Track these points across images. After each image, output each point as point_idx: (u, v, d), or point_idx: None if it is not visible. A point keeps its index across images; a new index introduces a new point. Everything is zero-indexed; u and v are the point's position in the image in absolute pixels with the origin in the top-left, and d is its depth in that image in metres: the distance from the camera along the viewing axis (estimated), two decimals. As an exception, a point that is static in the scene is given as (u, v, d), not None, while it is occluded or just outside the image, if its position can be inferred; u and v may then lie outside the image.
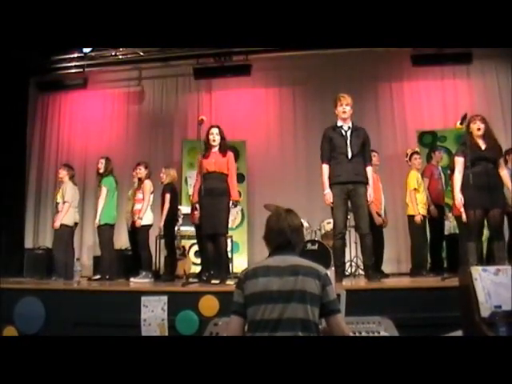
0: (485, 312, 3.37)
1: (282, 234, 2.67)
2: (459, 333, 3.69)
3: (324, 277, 2.56)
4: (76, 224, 7.68)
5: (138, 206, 7.29)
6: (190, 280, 6.21)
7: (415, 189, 6.88)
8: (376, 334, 3.18)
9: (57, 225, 7.25)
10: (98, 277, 7.24)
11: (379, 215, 7.10)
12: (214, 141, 6.00)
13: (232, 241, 7.95)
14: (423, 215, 6.88)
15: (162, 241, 7.75)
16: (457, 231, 7.08)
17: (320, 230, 7.72)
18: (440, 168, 7.60)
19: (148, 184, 7.30)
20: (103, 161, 7.48)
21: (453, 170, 5.56)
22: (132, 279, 6.84)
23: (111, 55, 9.78)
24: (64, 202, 7.32)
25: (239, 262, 8.54)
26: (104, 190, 7.31)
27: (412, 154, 7.22)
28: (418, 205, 6.85)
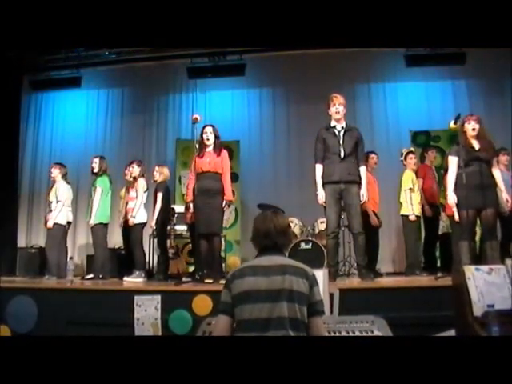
0: (478, 311, 3.38)
1: (268, 235, 2.69)
2: (452, 332, 3.71)
3: (311, 277, 2.58)
4: (69, 223, 7.63)
5: (131, 205, 7.28)
6: (184, 279, 6.20)
7: (410, 188, 6.89)
8: (369, 334, 3.17)
9: (50, 224, 7.21)
10: (91, 276, 7.21)
11: (376, 215, 7.12)
12: (208, 140, 6.00)
13: (225, 240, 7.95)
14: (417, 215, 6.90)
15: (156, 240, 7.73)
16: (450, 231, 7.10)
17: (314, 229, 7.72)
18: (434, 168, 7.62)
19: (141, 182, 7.27)
20: (97, 160, 7.45)
21: (446, 170, 5.57)
22: (125, 278, 6.81)
23: (105, 54, 9.76)
24: (57, 201, 7.29)
25: (232, 262, 8.53)
26: (98, 190, 7.28)
27: (407, 154, 7.22)
28: (413, 204, 6.86)
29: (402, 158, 7.27)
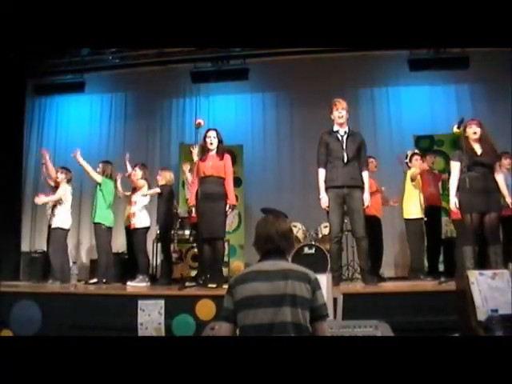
0: (481, 316, 3.38)
1: (270, 239, 2.68)
2: (456, 337, 3.69)
3: (314, 281, 2.57)
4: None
5: (133, 209, 7.28)
6: (187, 284, 6.19)
7: (412, 180, 6.91)
8: (373, 338, 3.17)
9: (54, 226, 7.25)
10: (94, 280, 7.21)
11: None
12: (211, 144, 5.99)
13: (229, 245, 7.94)
14: (420, 217, 6.91)
15: (159, 244, 7.72)
16: (454, 235, 7.08)
17: (317, 233, 7.73)
18: (435, 171, 7.62)
19: (143, 186, 7.28)
20: (101, 165, 7.50)
21: (450, 174, 5.58)
22: (129, 283, 6.80)
23: (109, 59, 9.79)
24: (61, 206, 7.31)
25: (236, 266, 8.52)
26: (100, 193, 7.29)
27: (412, 156, 7.20)
28: (416, 204, 6.90)
29: (407, 160, 7.26)
